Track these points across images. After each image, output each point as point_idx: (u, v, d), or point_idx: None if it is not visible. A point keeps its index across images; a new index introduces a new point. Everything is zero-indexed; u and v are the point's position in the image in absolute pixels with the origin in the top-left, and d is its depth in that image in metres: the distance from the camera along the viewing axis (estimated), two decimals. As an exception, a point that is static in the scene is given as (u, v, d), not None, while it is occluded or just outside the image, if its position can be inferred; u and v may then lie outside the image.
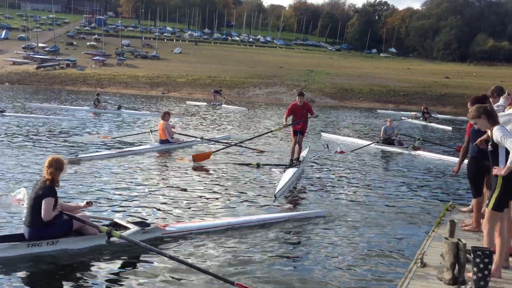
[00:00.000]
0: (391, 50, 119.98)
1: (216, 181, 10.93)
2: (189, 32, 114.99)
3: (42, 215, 5.99)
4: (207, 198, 9.31)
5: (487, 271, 4.56)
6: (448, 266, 4.88)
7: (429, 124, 30.93)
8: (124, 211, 8.11)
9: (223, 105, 37.49)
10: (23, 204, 7.38)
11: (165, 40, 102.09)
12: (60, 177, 6.32)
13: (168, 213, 8.20)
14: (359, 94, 54.24)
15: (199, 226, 7.37)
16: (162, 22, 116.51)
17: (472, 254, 4.62)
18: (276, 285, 5.58)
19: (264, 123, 25.96)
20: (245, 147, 15.09)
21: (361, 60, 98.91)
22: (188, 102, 40.07)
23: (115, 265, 5.96)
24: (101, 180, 10.19)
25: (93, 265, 5.92)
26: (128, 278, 5.62)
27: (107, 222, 6.78)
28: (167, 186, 10.09)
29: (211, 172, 11.88)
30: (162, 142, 15.04)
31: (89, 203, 6.71)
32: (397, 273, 5.95)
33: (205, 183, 10.61)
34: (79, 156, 12.28)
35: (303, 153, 13.48)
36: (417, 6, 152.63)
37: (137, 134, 17.29)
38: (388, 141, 17.69)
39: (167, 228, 7.05)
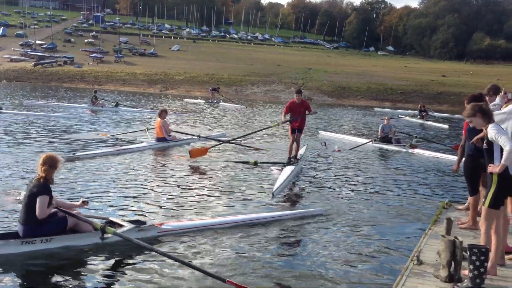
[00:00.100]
0: (388, 48, 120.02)
1: (214, 179, 10.94)
2: (187, 30, 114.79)
3: (37, 213, 5.99)
4: (205, 196, 9.31)
5: (483, 268, 4.59)
6: (444, 263, 4.92)
7: (426, 122, 30.99)
8: (121, 209, 8.11)
9: (221, 103, 37.51)
10: (19, 203, 7.40)
11: (163, 37, 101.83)
12: (55, 175, 6.31)
13: (165, 211, 8.19)
14: (356, 92, 54.30)
15: (196, 224, 7.35)
16: (160, 19, 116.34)
17: (468, 252, 4.65)
18: (272, 283, 5.59)
19: (262, 121, 25.98)
20: (243, 145, 15.11)
21: (359, 58, 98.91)
22: (186, 100, 40.04)
23: (109, 263, 5.97)
24: (98, 178, 10.17)
25: (87, 263, 5.92)
26: (122, 275, 5.63)
27: (102, 221, 6.80)
28: (164, 185, 10.08)
29: (208, 170, 11.89)
30: (159, 140, 15.02)
31: (84, 202, 6.70)
32: (394, 270, 5.97)
33: (203, 181, 10.61)
34: (76, 154, 12.28)
35: (301, 151, 13.49)
36: (414, 4, 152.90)
37: (133, 131, 17.29)
38: (385, 139, 17.73)
39: (163, 227, 7.03)
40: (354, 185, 11.18)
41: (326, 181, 11.42)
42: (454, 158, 14.79)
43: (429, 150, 17.03)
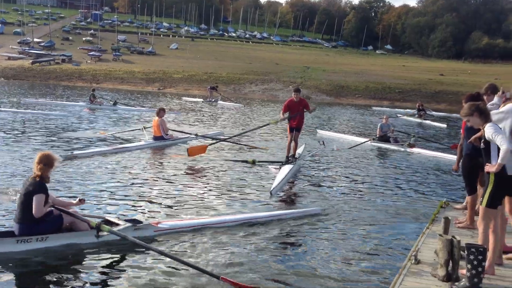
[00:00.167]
0: (387, 47, 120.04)
1: (211, 178, 10.93)
2: (186, 28, 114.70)
3: (33, 212, 5.98)
4: (202, 196, 9.30)
5: (481, 268, 4.60)
6: (442, 263, 4.92)
7: (424, 121, 31.00)
8: (118, 208, 8.09)
9: (219, 102, 37.49)
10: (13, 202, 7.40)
11: (161, 35, 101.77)
12: (50, 173, 6.30)
13: (162, 210, 8.18)
14: (355, 91, 54.29)
15: (193, 223, 7.33)
16: (159, 18, 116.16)
17: (466, 251, 4.66)
18: (268, 281, 5.59)
19: (260, 119, 25.96)
20: (241, 144, 15.11)
21: (357, 57, 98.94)
22: (184, 98, 40.00)
23: (105, 261, 5.96)
24: (95, 177, 10.16)
25: (83, 262, 5.92)
26: (117, 274, 5.64)
27: (99, 220, 6.79)
28: (162, 183, 10.06)
29: (206, 169, 11.88)
30: (156, 138, 15.00)
31: (81, 200, 6.71)
32: (391, 269, 5.98)
33: (200, 180, 10.61)
34: (74, 153, 12.26)
35: (299, 150, 13.51)
36: (413, 3, 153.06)
37: (130, 130, 17.28)
38: (384, 138, 17.74)
39: (159, 226, 7.00)
40: (352, 184, 11.19)
41: (324, 180, 11.42)
42: (452, 157, 14.89)
43: (427, 149, 17.04)
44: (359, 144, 17.08)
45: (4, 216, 7.22)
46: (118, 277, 5.54)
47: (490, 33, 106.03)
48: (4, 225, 6.79)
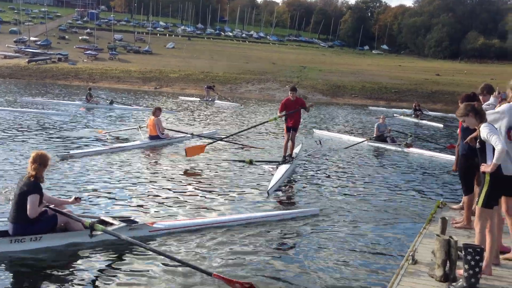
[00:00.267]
0: (383, 47, 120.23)
1: (208, 178, 10.91)
2: (182, 27, 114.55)
3: (28, 212, 5.96)
4: (198, 196, 9.28)
5: (478, 268, 4.61)
6: (439, 263, 4.93)
7: (421, 121, 31.07)
8: (113, 208, 8.07)
9: (216, 101, 37.49)
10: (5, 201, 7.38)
11: (158, 34, 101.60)
12: (46, 173, 6.28)
13: (158, 210, 8.14)
14: (351, 91, 54.38)
15: (188, 224, 7.30)
16: (155, 17, 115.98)
17: (463, 251, 4.67)
18: (263, 280, 5.58)
19: (257, 119, 25.93)
20: (238, 144, 15.10)
21: (354, 57, 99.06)
22: (181, 98, 39.96)
23: (99, 261, 5.94)
24: (91, 177, 10.12)
25: (77, 261, 5.90)
26: (111, 273, 5.62)
27: (94, 220, 6.77)
28: (158, 183, 10.03)
29: (202, 168, 11.85)
30: (152, 138, 14.95)
31: (77, 199, 6.69)
32: (389, 270, 5.99)
33: (197, 180, 10.58)
34: (70, 153, 12.21)
35: (296, 150, 13.51)
36: (409, 3, 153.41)
37: (125, 129, 17.25)
38: (381, 138, 17.77)
39: (154, 226, 6.98)
40: (349, 184, 11.19)
41: (321, 180, 11.42)
42: (449, 157, 14.97)
43: (424, 149, 17.08)
44: (356, 144, 17.08)
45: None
46: (113, 276, 5.52)
47: (486, 33, 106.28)
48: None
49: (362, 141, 17.75)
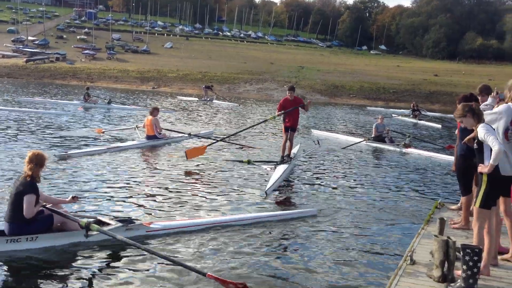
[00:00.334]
0: (381, 47, 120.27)
1: (206, 178, 10.90)
2: (180, 27, 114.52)
3: (24, 212, 5.93)
4: (196, 196, 9.25)
5: (476, 269, 4.61)
6: (437, 263, 4.93)
7: (419, 121, 31.10)
8: (111, 208, 8.05)
9: (214, 101, 37.47)
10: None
11: (156, 34, 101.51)
12: (42, 172, 6.25)
13: (155, 210, 8.12)
14: (349, 91, 54.42)
15: (185, 224, 7.26)
16: (153, 17, 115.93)
17: (461, 252, 4.66)
18: (259, 281, 5.57)
19: (255, 119, 25.92)
20: (236, 144, 15.09)
21: (352, 57, 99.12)
22: (179, 97, 39.95)
23: (95, 261, 5.93)
24: (89, 177, 10.09)
25: (72, 261, 5.88)
26: (106, 273, 5.61)
27: (91, 220, 6.76)
28: (155, 183, 10.01)
29: (200, 168, 11.83)
30: (149, 138, 14.91)
31: (74, 198, 6.67)
32: (387, 270, 5.98)
33: (194, 180, 10.55)
34: (68, 153, 12.18)
35: (294, 150, 13.50)
36: (407, 3, 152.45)
37: (122, 129, 17.23)
38: (379, 138, 17.78)
39: (151, 226, 6.95)
40: (348, 184, 11.18)
41: (320, 180, 11.42)
42: (447, 157, 14.99)
43: (422, 149, 17.09)
44: (354, 144, 17.09)
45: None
46: (108, 276, 5.51)
47: (484, 33, 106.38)
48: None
49: (360, 141, 17.76)
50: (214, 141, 14.31)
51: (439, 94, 52.98)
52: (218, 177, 10.97)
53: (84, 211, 7.60)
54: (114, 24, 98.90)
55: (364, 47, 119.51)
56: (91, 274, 5.56)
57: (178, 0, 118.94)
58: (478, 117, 5.19)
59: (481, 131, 5.03)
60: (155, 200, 8.71)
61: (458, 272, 4.84)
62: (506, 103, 5.58)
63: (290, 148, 12.71)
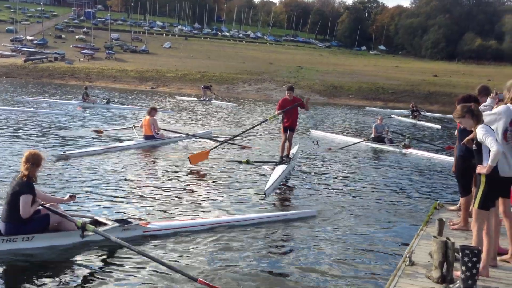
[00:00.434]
0: (380, 48, 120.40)
1: (205, 178, 10.88)
2: (179, 27, 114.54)
3: (21, 213, 5.91)
4: (194, 196, 9.23)
5: (475, 270, 4.59)
6: (436, 264, 4.92)
7: (418, 122, 31.10)
8: (108, 208, 8.02)
9: (213, 101, 37.47)
10: None
11: (155, 34, 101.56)
12: (40, 172, 6.22)
13: (153, 210, 8.08)
14: (348, 92, 54.45)
15: (183, 224, 7.23)
16: (152, 16, 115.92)
17: (460, 253, 4.65)
18: (259, 284, 5.53)
19: (254, 119, 25.92)
20: (236, 144, 15.07)
21: (351, 57, 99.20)
22: (178, 97, 39.94)
23: (90, 262, 5.91)
24: (87, 177, 10.06)
25: (68, 261, 5.86)
26: (100, 274, 5.58)
27: (87, 220, 6.73)
28: (153, 183, 9.97)
29: (199, 169, 11.78)
30: (147, 138, 14.88)
31: (72, 197, 6.63)
32: (386, 271, 5.97)
33: (193, 180, 10.53)
34: (67, 153, 12.14)
35: (293, 150, 13.48)
36: (406, 4, 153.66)
37: (120, 129, 17.21)
38: (378, 139, 17.77)
39: (148, 226, 6.91)
40: (347, 185, 11.17)
41: (319, 181, 11.40)
42: (447, 158, 14.98)
43: (422, 150, 17.07)
44: (352, 144, 17.08)
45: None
46: (101, 277, 5.48)
47: (483, 34, 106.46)
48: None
49: (359, 142, 17.75)
50: (217, 144, 13.90)
51: (438, 94, 53.00)
52: (217, 177, 10.94)
53: (82, 210, 7.58)
54: (112, 24, 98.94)
55: (363, 48, 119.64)
56: (85, 274, 5.54)
57: (177, 0, 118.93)
58: (477, 118, 5.19)
59: (479, 132, 5.03)
60: (152, 200, 8.67)
61: (457, 273, 4.83)
62: (505, 103, 5.58)
63: (289, 149, 12.69)
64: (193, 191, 9.54)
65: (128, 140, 14.98)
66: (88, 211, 7.66)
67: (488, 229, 5.14)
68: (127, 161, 12.17)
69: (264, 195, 9.47)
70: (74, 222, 6.16)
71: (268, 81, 56.31)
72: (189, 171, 11.44)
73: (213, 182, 10.48)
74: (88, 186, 9.29)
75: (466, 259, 4.59)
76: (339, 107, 43.59)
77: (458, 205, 7.80)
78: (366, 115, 36.16)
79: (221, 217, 7.83)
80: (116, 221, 6.71)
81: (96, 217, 6.80)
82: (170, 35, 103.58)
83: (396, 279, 4.99)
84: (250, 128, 15.14)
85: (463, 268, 4.62)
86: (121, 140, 15.05)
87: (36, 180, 6.19)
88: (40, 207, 6.23)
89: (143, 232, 6.79)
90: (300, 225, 7.77)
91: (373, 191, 10.62)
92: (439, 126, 29.10)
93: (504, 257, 5.59)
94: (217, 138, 16.32)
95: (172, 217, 7.75)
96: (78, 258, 5.95)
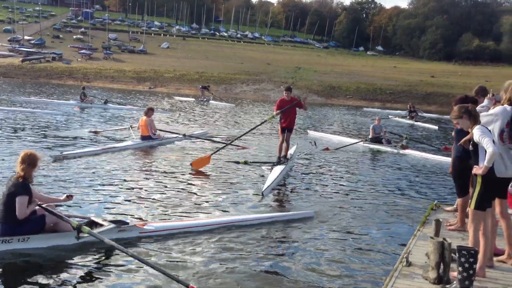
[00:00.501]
0: (378, 48, 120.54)
1: (202, 178, 10.86)
2: (177, 27, 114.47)
3: (17, 214, 5.89)
4: (191, 196, 9.21)
5: (472, 270, 4.60)
6: (433, 265, 4.93)
7: (416, 123, 31.13)
8: (105, 209, 8.01)
9: (211, 101, 37.47)
10: None
11: (153, 34, 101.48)
12: (37, 172, 6.19)
13: (150, 211, 8.05)
14: (346, 92, 54.52)
15: (180, 225, 7.19)
16: (150, 17, 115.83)
17: (457, 254, 4.66)
18: (255, 286, 5.53)
19: (253, 120, 25.93)
20: (233, 145, 15.06)
21: (349, 58, 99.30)
22: (176, 98, 39.92)
23: (85, 263, 5.87)
24: (84, 178, 10.02)
25: (63, 263, 5.83)
26: (94, 275, 5.56)
27: (83, 220, 6.71)
28: (150, 184, 9.95)
29: (196, 169, 11.77)
30: (144, 138, 14.84)
31: (69, 197, 6.61)
32: (383, 272, 5.98)
33: (190, 181, 10.51)
34: (64, 153, 12.11)
35: (291, 151, 13.48)
36: (404, 5, 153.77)
37: (116, 129, 17.20)
38: (376, 139, 17.78)
39: (145, 227, 6.86)
40: (345, 186, 11.17)
41: (317, 182, 11.40)
42: (444, 159, 15.00)
43: (419, 150, 17.09)
44: (351, 145, 17.10)
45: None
46: (96, 278, 5.46)
47: (480, 35, 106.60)
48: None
49: (357, 142, 17.77)
50: (218, 148, 13.62)
51: (436, 95, 53.09)
52: (214, 178, 10.94)
53: (79, 211, 7.57)
54: (110, 24, 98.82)
55: (361, 48, 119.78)
56: (81, 276, 5.52)
57: (175, 0, 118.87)
58: (475, 119, 5.21)
59: (476, 133, 5.04)
60: (149, 201, 8.65)
61: (454, 274, 4.84)
62: (502, 105, 5.59)
63: (287, 149, 12.69)
64: (190, 192, 9.52)
65: (125, 140, 14.96)
66: (85, 211, 7.64)
67: (485, 229, 5.15)
68: (124, 161, 12.14)
69: (261, 196, 9.48)
70: (70, 223, 6.14)
71: (266, 82, 56.34)
72: (186, 171, 11.42)
73: (210, 182, 10.47)
74: (85, 187, 9.26)
75: (462, 259, 4.61)
76: (337, 108, 43.62)
77: (455, 206, 7.81)
78: (364, 115, 36.19)
79: (218, 218, 7.79)
80: (113, 221, 6.68)
81: (93, 218, 6.78)
82: (168, 35, 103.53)
83: (393, 280, 5.00)
84: (249, 130, 15.00)
85: (460, 268, 4.64)
86: (118, 141, 15.03)
87: (32, 181, 6.16)
88: (37, 207, 6.21)
89: (140, 233, 6.76)
90: (297, 226, 7.77)
91: (371, 192, 10.63)
92: (436, 127, 29.14)
93: (501, 257, 5.61)
94: (214, 139, 16.37)
95: (169, 218, 7.73)
96: (74, 259, 5.92)
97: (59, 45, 75.25)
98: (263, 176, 11.26)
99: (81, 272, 5.63)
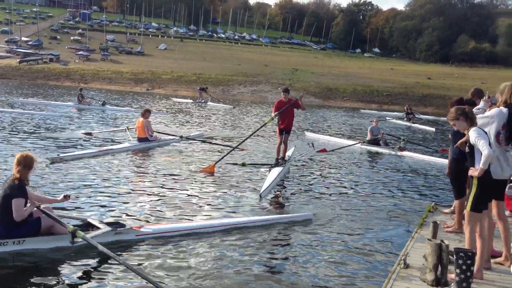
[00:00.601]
0: (375, 50, 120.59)
1: (199, 180, 10.83)
2: (175, 28, 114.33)
3: (14, 216, 5.88)
4: (189, 198, 9.19)
5: (469, 272, 4.62)
6: (431, 267, 4.94)
7: (413, 125, 31.19)
8: (102, 211, 7.99)
9: (208, 103, 37.47)
10: None
11: (150, 36, 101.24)
12: (34, 174, 6.18)
13: (147, 213, 8.02)
14: (343, 94, 54.55)
15: (177, 228, 7.17)
16: (148, 18, 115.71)
17: (454, 256, 4.68)
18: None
19: (251, 121, 25.97)
20: (231, 147, 15.05)
21: (346, 60, 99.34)
22: (174, 99, 39.89)
23: (80, 267, 5.83)
24: (81, 180, 10.00)
25: (57, 266, 5.81)
26: (91, 279, 5.54)
27: (80, 222, 6.69)
28: (147, 186, 9.94)
29: (194, 171, 11.75)
30: (140, 140, 14.81)
31: (66, 197, 6.60)
32: (380, 274, 5.99)
33: (188, 183, 10.49)
34: (61, 155, 12.08)
35: (289, 153, 13.49)
36: (400, 6, 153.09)
37: (113, 131, 17.18)
38: (374, 141, 17.81)
39: (141, 230, 6.83)
40: (343, 188, 11.19)
41: (315, 184, 11.41)
42: (441, 160, 15.04)
43: (417, 152, 17.11)
44: (348, 146, 17.12)
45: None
46: (90, 282, 5.45)
47: (476, 37, 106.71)
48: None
49: (354, 144, 17.78)
50: (222, 156, 13.29)
51: (432, 97, 53.19)
52: (212, 180, 10.92)
53: (76, 212, 7.57)
54: (108, 25, 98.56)
55: (358, 50, 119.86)
56: (75, 279, 5.50)
57: (173, 2, 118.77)
58: (471, 121, 5.23)
59: (472, 135, 5.07)
60: (146, 203, 8.63)
61: (452, 276, 4.86)
62: (498, 107, 5.62)
63: (285, 151, 12.68)
64: (187, 194, 9.51)
65: (122, 142, 14.93)
66: (82, 213, 7.64)
67: (481, 231, 5.17)
68: (121, 163, 12.13)
69: (259, 198, 9.48)
70: (65, 227, 6.10)
71: (263, 83, 56.35)
72: (183, 173, 11.40)
73: (208, 184, 10.46)
74: (82, 189, 9.25)
75: (460, 261, 4.63)
76: (334, 109, 43.66)
77: (452, 208, 7.84)
78: (361, 117, 36.24)
79: (215, 220, 7.77)
80: (109, 224, 6.68)
81: (90, 220, 6.78)
82: (165, 37, 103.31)
83: (391, 282, 5.01)
84: (251, 134, 14.83)
85: (458, 270, 4.65)
86: (115, 143, 15.00)
87: (28, 183, 6.15)
88: (35, 208, 6.20)
89: (136, 236, 6.73)
90: (296, 228, 7.77)
91: (369, 194, 10.65)
92: (433, 129, 29.18)
93: (498, 259, 5.63)
94: (211, 141, 16.34)
95: (166, 221, 7.71)
96: (69, 263, 5.89)
97: (56, 46, 75.05)
98: (261, 178, 11.25)
99: (76, 275, 5.61)
